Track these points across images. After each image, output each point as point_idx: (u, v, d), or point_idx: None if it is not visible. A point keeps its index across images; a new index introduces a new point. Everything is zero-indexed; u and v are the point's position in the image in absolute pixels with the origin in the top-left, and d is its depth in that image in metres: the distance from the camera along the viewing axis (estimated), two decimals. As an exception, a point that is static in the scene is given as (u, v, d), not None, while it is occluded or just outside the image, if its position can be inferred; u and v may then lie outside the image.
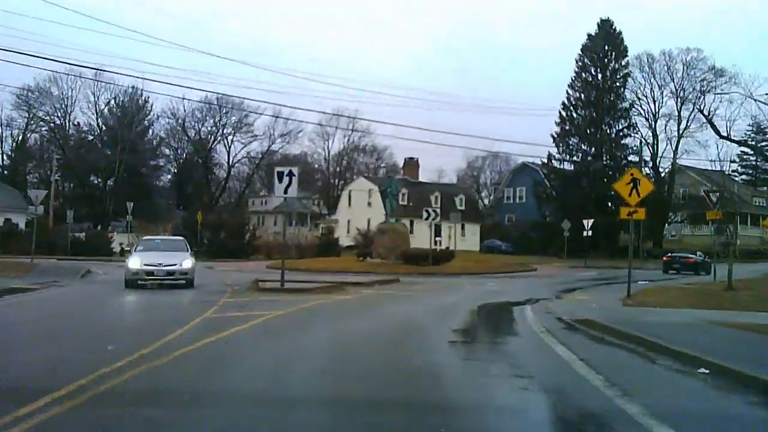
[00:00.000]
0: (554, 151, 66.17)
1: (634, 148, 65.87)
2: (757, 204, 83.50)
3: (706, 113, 62.11)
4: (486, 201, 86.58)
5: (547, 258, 59.92)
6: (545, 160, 66.38)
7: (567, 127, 66.03)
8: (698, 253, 44.79)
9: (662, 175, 68.89)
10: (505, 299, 19.67)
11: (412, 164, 65.96)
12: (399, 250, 35.57)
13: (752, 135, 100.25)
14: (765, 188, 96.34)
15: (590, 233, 47.98)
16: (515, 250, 64.70)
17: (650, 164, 67.86)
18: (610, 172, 64.85)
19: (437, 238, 62.55)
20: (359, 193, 66.25)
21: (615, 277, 31.29)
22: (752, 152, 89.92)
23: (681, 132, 67.46)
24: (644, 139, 66.98)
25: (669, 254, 44.77)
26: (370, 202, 62.29)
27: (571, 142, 66.28)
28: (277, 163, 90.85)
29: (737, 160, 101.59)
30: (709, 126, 65.70)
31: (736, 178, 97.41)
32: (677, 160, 68.46)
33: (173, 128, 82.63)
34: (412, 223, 60.78)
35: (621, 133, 65.37)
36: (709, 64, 63.77)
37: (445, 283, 26.18)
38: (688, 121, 67.26)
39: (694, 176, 75.94)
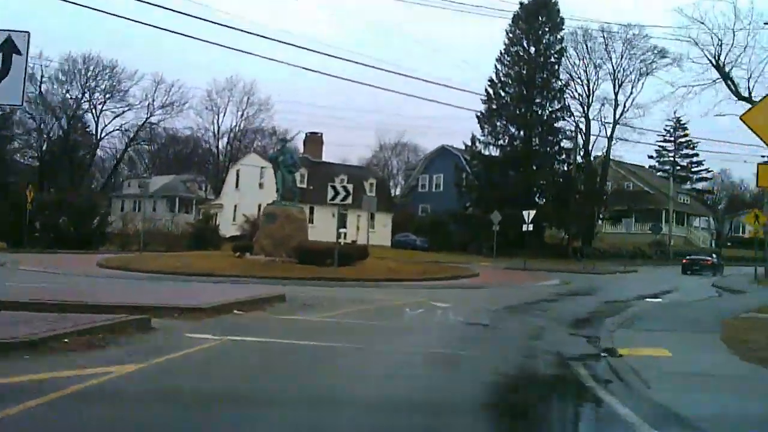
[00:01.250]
0: (479, 132, 57.61)
1: (569, 133, 58.27)
2: (682, 201, 78.55)
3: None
4: (396, 191, 77.14)
5: (471, 256, 51.17)
6: (468, 143, 57.63)
7: (494, 107, 57.57)
8: (713, 255, 48.64)
9: (594, 164, 61.74)
10: (518, 359, 9.11)
11: (314, 140, 55.36)
12: (292, 243, 25.22)
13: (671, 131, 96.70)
14: (688, 185, 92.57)
15: (530, 227, 39.24)
16: (431, 246, 55.71)
17: (582, 152, 60.51)
18: (538, 161, 57.01)
19: (342, 230, 52.57)
20: (249, 172, 54.96)
21: (600, 288, 22.65)
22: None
23: (617, 118, 60.54)
24: (577, 123, 59.57)
25: (688, 257, 47.25)
26: (262, 183, 51.23)
27: (498, 124, 57.85)
28: (157, 138, 78.17)
29: (654, 155, 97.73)
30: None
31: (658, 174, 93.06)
32: (612, 149, 61.45)
33: (32, 95, 68.00)
34: (312, 210, 50.34)
35: (554, 116, 57.55)
36: (651, 43, 56.89)
37: (365, 302, 15.51)
38: (624, 107, 60.41)
39: (617, 170, 69.36)
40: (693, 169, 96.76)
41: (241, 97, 73.20)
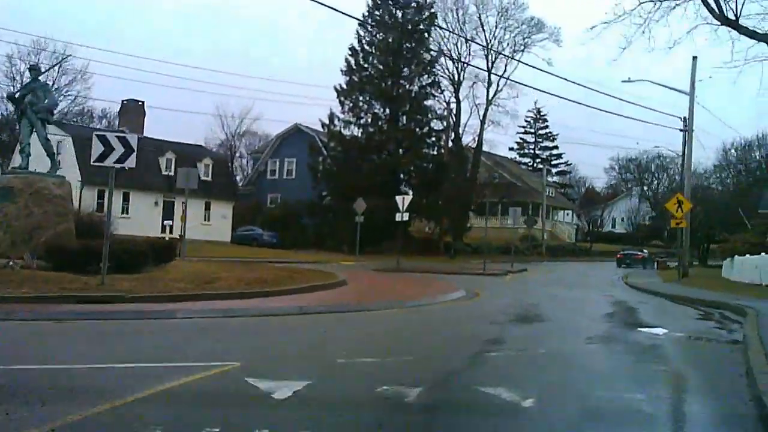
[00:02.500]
0: (338, 109, 49.14)
1: (439, 112, 51.28)
2: (547, 194, 74.49)
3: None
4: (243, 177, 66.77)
5: (329, 254, 42.67)
6: (326, 122, 49.00)
7: (356, 79, 49.34)
8: (644, 250, 50.58)
9: (465, 150, 55.32)
10: None
11: (133, 110, 44.24)
12: (44, 236, 15.30)
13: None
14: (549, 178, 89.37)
15: (405, 217, 31.33)
16: (283, 242, 46.65)
17: (452, 136, 53.87)
18: (406, 143, 49.54)
19: (167, 222, 42.24)
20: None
21: (545, 308, 14.84)
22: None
23: (490, 98, 54.44)
24: (448, 103, 52.81)
25: (622, 252, 51.15)
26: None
27: (361, 100, 49.69)
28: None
29: (515, 147, 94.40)
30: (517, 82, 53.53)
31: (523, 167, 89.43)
32: (484, 132, 55.24)
33: None
34: (127, 196, 39.50)
35: (424, 92, 50.30)
36: (527, 14, 51.24)
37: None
38: (498, 86, 54.44)
39: (485, 161, 63.63)
40: (553, 162, 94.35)
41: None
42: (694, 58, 27.86)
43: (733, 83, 55.03)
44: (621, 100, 28.38)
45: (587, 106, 54.75)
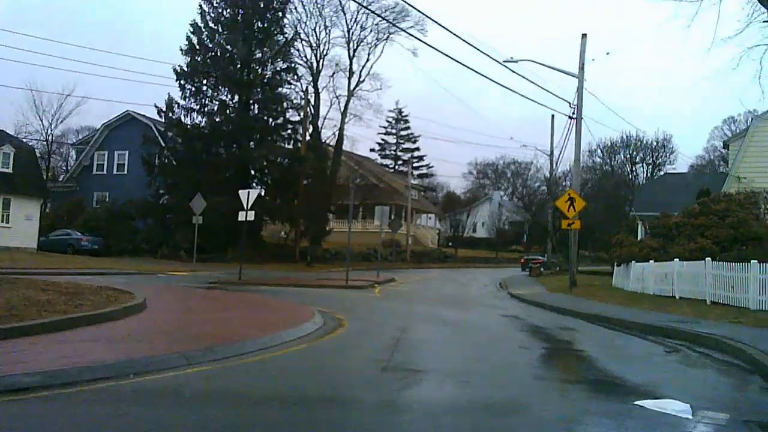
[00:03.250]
0: (178, 94, 42.30)
1: (296, 103, 45.81)
2: (413, 197, 71.05)
3: None
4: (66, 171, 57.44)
5: (161, 262, 36.03)
6: (163, 109, 41.98)
7: (199, 60, 42.76)
8: (545, 256, 46.51)
9: (325, 146, 50.20)
10: None
11: None
12: None
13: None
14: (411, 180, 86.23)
15: (252, 216, 25.65)
16: (105, 249, 39.40)
17: (311, 129, 48.57)
18: (258, 135, 43.69)
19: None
20: None
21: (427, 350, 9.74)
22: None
23: (352, 89, 49.71)
24: (306, 91, 47.44)
25: (525, 258, 50.11)
26: None
27: (205, 84, 43.14)
28: None
29: (377, 147, 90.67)
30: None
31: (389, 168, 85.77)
32: (346, 127, 50.34)
33: None
34: None
35: (278, 77, 44.60)
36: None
37: None
38: (360, 76, 49.87)
39: (346, 160, 58.83)
40: (414, 164, 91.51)
41: None
42: (584, 35, 24.48)
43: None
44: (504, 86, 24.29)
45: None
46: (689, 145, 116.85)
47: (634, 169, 73.46)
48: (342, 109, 49.69)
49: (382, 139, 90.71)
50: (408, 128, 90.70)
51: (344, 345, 9.88)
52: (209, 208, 39.30)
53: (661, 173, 65.34)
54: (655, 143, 71.33)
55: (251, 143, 43.27)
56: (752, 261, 15.35)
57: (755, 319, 13.06)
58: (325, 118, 49.62)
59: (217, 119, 42.97)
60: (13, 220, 34.99)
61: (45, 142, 50.21)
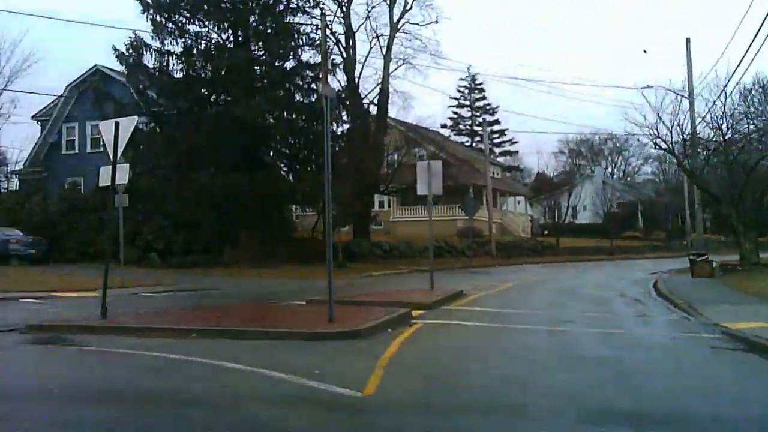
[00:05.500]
0: (148, 34, 29.68)
1: (313, 38, 32.21)
2: (493, 175, 55.98)
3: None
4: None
5: (122, 268, 23.27)
6: (130, 53, 29.42)
7: (177, -20, 30.00)
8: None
9: (366, 105, 36.51)
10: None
11: None
12: None
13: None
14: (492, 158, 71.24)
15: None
16: (47, 255, 27.74)
17: (345, 80, 35.00)
18: (266, 80, 30.72)
19: None
20: None
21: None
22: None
23: (397, 22, 35.84)
24: (330, 28, 33.97)
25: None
26: None
27: (182, 17, 30.33)
28: None
29: (449, 123, 76.02)
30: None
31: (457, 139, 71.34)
32: (390, 77, 36.34)
33: None
34: None
35: (291, 3, 31.20)
36: None
37: None
38: (407, 2, 35.95)
39: (398, 128, 43.84)
40: (495, 140, 76.40)
41: None
42: None
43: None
44: None
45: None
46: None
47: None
48: (384, 51, 35.77)
49: (455, 113, 76.29)
50: (484, 98, 75.96)
51: None
52: (195, 190, 26.90)
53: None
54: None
55: (255, 96, 30.06)
56: None
57: None
58: (362, 69, 35.90)
59: (208, 63, 30.09)
60: None
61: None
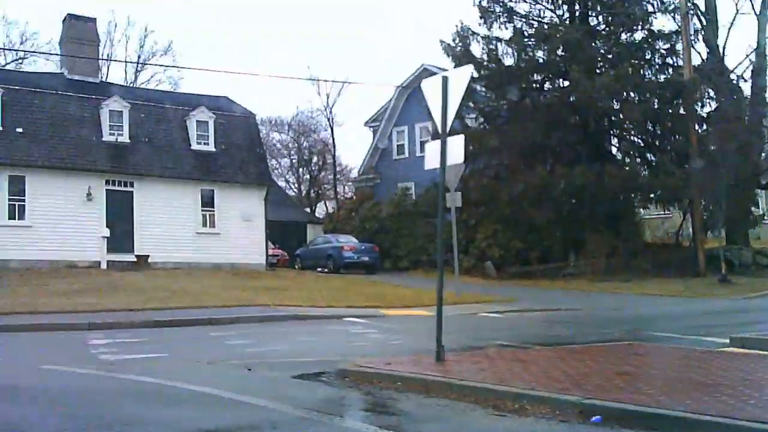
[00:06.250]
0: (476, 22, 27.16)
1: (666, 1, 26.20)
2: None
3: None
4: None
5: (459, 278, 21.27)
6: (456, 43, 27.04)
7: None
8: None
9: (735, 79, 29.06)
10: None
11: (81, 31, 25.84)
12: None
13: None
14: None
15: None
16: (379, 262, 26.64)
17: (706, 50, 28.28)
18: (610, 56, 26.00)
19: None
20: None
21: None
22: None
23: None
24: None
25: None
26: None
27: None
28: None
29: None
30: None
31: None
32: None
33: None
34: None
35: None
36: None
37: None
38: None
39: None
40: None
41: None
42: None
43: None
44: None
45: None
46: None
47: None
48: (758, 10, 27.98)
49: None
50: None
51: None
52: (532, 189, 23.61)
53: None
54: None
55: (596, 69, 25.43)
56: None
57: None
58: (729, 30, 28.74)
59: (536, 46, 26.37)
60: (221, 224, 23.66)
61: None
